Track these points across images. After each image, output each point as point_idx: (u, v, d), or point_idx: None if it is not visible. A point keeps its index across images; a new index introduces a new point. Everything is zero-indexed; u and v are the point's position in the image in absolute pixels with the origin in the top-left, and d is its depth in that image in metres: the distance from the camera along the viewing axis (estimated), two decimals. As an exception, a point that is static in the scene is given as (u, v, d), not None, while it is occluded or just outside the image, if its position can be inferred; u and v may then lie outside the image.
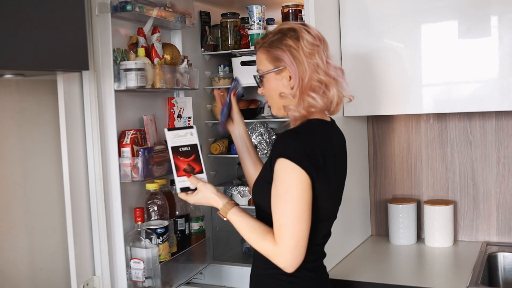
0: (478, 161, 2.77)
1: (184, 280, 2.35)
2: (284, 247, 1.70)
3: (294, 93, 1.80)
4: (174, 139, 1.97)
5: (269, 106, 1.97)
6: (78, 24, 1.78)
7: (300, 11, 2.61)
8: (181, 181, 1.92)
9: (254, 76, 1.92)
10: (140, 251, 2.11)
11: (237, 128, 2.15)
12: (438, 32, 2.48)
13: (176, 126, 2.49)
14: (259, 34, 2.63)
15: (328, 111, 1.87)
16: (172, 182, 2.36)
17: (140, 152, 2.10)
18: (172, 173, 1.92)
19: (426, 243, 2.78)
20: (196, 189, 1.92)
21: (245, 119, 2.82)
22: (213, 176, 2.85)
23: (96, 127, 2.03)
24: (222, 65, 2.90)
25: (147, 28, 2.22)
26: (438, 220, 2.73)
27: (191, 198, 1.93)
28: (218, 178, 2.89)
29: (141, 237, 2.12)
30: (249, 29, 2.67)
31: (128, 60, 2.14)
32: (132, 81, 2.07)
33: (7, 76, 1.79)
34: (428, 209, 2.75)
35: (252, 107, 2.87)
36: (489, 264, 2.56)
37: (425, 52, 2.50)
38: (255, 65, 2.67)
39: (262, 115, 2.83)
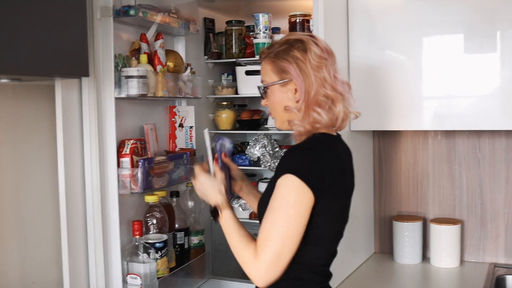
0: (486, 179, 2.69)
1: (182, 296, 2.27)
2: (263, 261, 1.62)
3: (299, 107, 1.72)
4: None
5: (273, 118, 1.89)
6: (79, 28, 1.70)
7: (308, 21, 2.53)
8: None
9: (258, 87, 1.84)
10: (137, 266, 2.02)
11: (244, 185, 2.05)
12: (446, 47, 2.43)
13: (177, 135, 2.41)
14: (264, 43, 2.56)
15: (333, 127, 1.79)
16: (172, 195, 2.27)
17: (140, 163, 2.02)
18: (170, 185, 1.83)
19: (431, 263, 2.70)
20: None
21: (248, 130, 2.77)
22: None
23: (95, 135, 1.95)
24: (225, 74, 2.83)
25: (150, 34, 2.14)
26: (445, 239, 2.64)
27: (201, 178, 1.83)
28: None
29: (139, 252, 2.03)
30: (255, 37, 2.60)
31: (129, 66, 2.06)
32: (133, 88, 1.99)
33: (3, 80, 1.71)
34: (434, 228, 2.67)
35: (255, 117, 2.79)
36: (497, 287, 2.48)
37: (433, 67, 2.44)
38: (260, 74, 2.63)
39: (266, 126, 2.75)
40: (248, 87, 2.66)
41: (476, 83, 2.38)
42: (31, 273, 2.03)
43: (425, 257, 2.79)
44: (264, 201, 1.80)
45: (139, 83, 1.99)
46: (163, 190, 2.17)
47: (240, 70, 2.67)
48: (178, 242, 2.29)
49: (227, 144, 1.97)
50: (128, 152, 2.04)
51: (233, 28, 2.71)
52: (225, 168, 1.91)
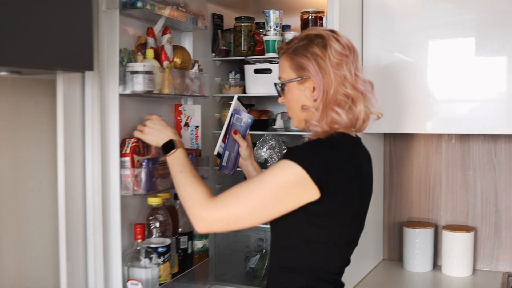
0: (502, 186, 2.60)
1: (184, 303, 2.17)
2: (217, 210, 1.57)
3: (317, 106, 1.63)
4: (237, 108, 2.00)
5: (288, 118, 1.79)
6: (84, 19, 1.60)
7: (321, 18, 2.44)
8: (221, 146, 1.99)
9: (275, 84, 1.75)
10: (138, 272, 1.93)
11: (249, 163, 2.07)
12: (460, 49, 2.35)
13: (182, 135, 2.31)
14: (275, 40, 2.46)
15: (353, 128, 1.70)
16: (176, 197, 2.18)
17: (143, 163, 1.92)
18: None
19: (443, 271, 2.60)
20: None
21: (255, 130, 2.67)
22: (218, 190, 2.66)
23: (97, 133, 1.85)
24: (233, 72, 2.73)
25: (157, 28, 2.04)
26: (457, 247, 2.55)
27: (154, 116, 1.92)
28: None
29: (140, 256, 1.94)
30: (265, 34, 2.50)
31: (135, 61, 1.96)
32: (139, 85, 1.89)
33: (2, 73, 1.60)
34: (447, 235, 2.57)
35: (263, 118, 2.69)
36: (512, 298, 2.39)
37: (448, 69, 2.36)
38: (269, 73, 2.55)
39: (274, 127, 2.65)
40: (256, 86, 2.56)
41: (490, 86, 2.30)
42: (27, 277, 1.92)
43: (436, 265, 2.69)
44: None
45: (145, 79, 1.89)
46: (167, 192, 2.08)
47: (249, 68, 2.57)
48: (181, 247, 2.19)
49: (244, 118, 2.05)
50: (128, 151, 1.94)
51: (243, 24, 2.61)
52: (233, 143, 1.99)
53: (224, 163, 2.03)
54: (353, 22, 2.37)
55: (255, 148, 2.60)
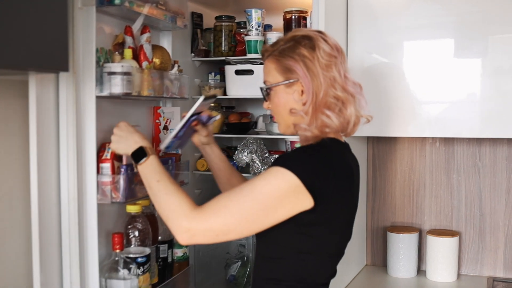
0: (486, 190, 2.56)
1: (164, 315, 2.08)
2: (205, 222, 1.46)
3: (307, 110, 1.56)
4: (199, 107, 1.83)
5: (271, 121, 1.71)
6: (59, 16, 1.49)
7: (305, 18, 2.37)
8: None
9: (261, 88, 1.67)
10: (117, 283, 1.82)
11: (209, 146, 1.96)
12: (441, 51, 2.30)
13: (161, 138, 2.21)
14: (257, 41, 2.39)
15: (343, 132, 1.63)
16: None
17: (122, 169, 1.82)
18: None
19: (427, 276, 2.56)
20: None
21: (236, 133, 2.60)
22: (197, 195, 2.57)
23: (73, 138, 1.74)
24: (212, 73, 2.64)
25: (136, 26, 1.94)
26: (442, 252, 2.51)
27: (122, 123, 1.76)
28: (203, 197, 2.61)
29: (119, 267, 1.83)
30: (246, 34, 2.42)
31: (112, 62, 1.86)
32: (117, 86, 1.79)
33: (-31, 74, 1.49)
34: (431, 240, 2.53)
35: (244, 120, 2.61)
36: (498, 303, 2.36)
37: (431, 71, 2.31)
38: (250, 74, 2.47)
39: (255, 130, 2.57)
40: (237, 87, 2.48)
41: (473, 89, 2.26)
42: (-3, 290, 1.82)
43: (420, 270, 2.65)
44: None
45: (123, 80, 1.79)
46: (145, 199, 1.98)
47: (230, 69, 2.49)
48: (161, 256, 2.10)
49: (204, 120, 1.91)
50: (109, 157, 1.83)
51: (223, 24, 2.52)
52: (186, 136, 1.88)
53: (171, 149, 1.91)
54: (338, 23, 2.31)
55: (236, 152, 2.52)
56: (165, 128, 2.23)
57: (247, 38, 2.40)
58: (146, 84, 1.92)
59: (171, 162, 2.07)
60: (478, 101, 2.26)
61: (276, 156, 2.45)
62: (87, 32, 1.75)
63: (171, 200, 1.53)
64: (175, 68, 2.15)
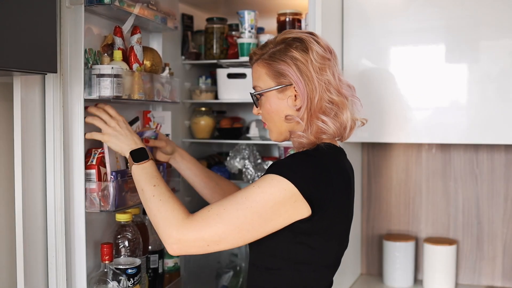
0: (484, 197, 2.51)
1: (155, 328, 1.99)
2: (197, 232, 1.40)
3: (302, 116, 1.50)
4: None
5: (266, 129, 1.64)
6: (47, 14, 1.41)
7: (299, 21, 2.30)
8: None
9: (251, 94, 1.59)
10: (106, 296, 1.73)
11: (177, 155, 1.97)
12: (435, 56, 2.26)
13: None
14: (250, 43, 2.31)
15: (340, 137, 1.56)
16: (145, 212, 1.99)
17: (112, 176, 1.73)
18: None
19: (424, 286, 2.49)
20: None
21: (228, 139, 2.52)
22: (188, 203, 2.49)
23: (59, 143, 1.65)
24: (203, 77, 2.56)
25: (127, 27, 1.86)
26: (440, 261, 2.44)
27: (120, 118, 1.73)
28: (193, 205, 2.52)
29: (108, 279, 1.74)
30: (239, 37, 2.35)
31: (101, 63, 1.78)
32: (106, 89, 1.70)
33: (-50, 74, 1.40)
34: (428, 249, 2.46)
35: (236, 126, 2.53)
36: (497, 313, 2.30)
37: (425, 77, 2.27)
38: (243, 78, 2.39)
39: (248, 135, 2.50)
40: (230, 91, 2.41)
41: (468, 95, 2.22)
42: (-22, 305, 1.72)
43: (417, 279, 2.58)
44: None
45: (113, 83, 1.71)
46: (135, 207, 1.89)
47: (222, 73, 2.42)
48: (152, 266, 2.01)
49: (149, 134, 1.90)
50: (94, 162, 1.75)
51: (215, 26, 2.45)
52: None
53: None
54: (334, 27, 2.25)
55: (228, 158, 2.45)
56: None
57: (239, 40, 2.33)
58: (136, 87, 1.84)
59: (162, 169, 1.98)
60: (473, 107, 2.21)
61: (270, 162, 2.38)
62: (75, 32, 1.66)
63: (164, 208, 1.47)
64: (166, 71, 2.07)
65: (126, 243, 1.84)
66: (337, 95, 1.51)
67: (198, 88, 2.50)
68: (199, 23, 2.57)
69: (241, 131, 2.53)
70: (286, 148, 2.39)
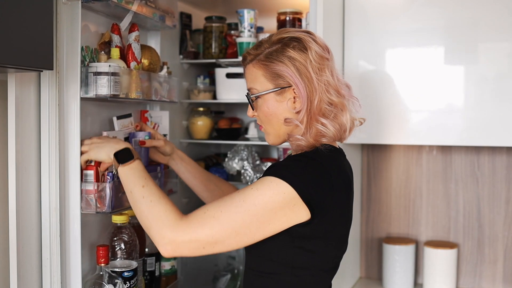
0: (485, 200, 2.47)
1: (151, 333, 1.94)
2: (189, 233, 1.36)
3: (301, 119, 1.46)
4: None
5: (262, 131, 1.60)
6: (43, 10, 1.37)
7: (300, 20, 2.27)
8: None
9: (247, 96, 1.54)
10: (101, 300, 1.69)
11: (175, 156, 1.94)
12: (434, 58, 2.24)
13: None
14: (249, 42, 2.28)
15: (340, 139, 1.53)
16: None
17: (108, 177, 1.69)
18: None
19: (424, 290, 2.46)
20: None
21: (226, 140, 2.48)
22: (185, 204, 2.45)
23: (55, 142, 1.61)
24: (201, 76, 2.52)
25: (124, 24, 1.82)
26: (440, 264, 2.41)
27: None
28: (191, 207, 2.48)
29: (103, 282, 1.70)
30: (238, 36, 2.31)
31: (98, 61, 1.74)
32: (103, 88, 1.66)
33: None
34: (429, 252, 2.43)
35: (234, 126, 2.49)
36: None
37: (425, 78, 2.25)
38: (242, 78, 2.34)
39: (246, 136, 2.46)
40: (228, 91, 2.37)
41: (468, 96, 2.20)
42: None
43: (417, 283, 2.55)
44: None
45: (111, 81, 1.67)
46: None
47: (220, 72, 2.38)
48: (148, 269, 1.97)
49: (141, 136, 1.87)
50: (93, 163, 1.71)
51: (213, 25, 2.41)
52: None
53: None
54: (335, 27, 2.21)
55: (226, 159, 2.41)
56: (153, 133, 2.10)
57: (239, 39, 2.29)
58: (134, 86, 1.80)
59: (160, 170, 1.94)
60: (474, 109, 2.19)
61: (269, 163, 2.35)
62: (72, 28, 1.63)
63: (155, 209, 1.42)
64: (164, 69, 2.03)
65: (122, 245, 1.80)
66: (336, 96, 1.48)
67: (196, 88, 2.46)
68: (198, 22, 2.53)
69: (239, 132, 2.49)
70: (285, 150, 2.36)
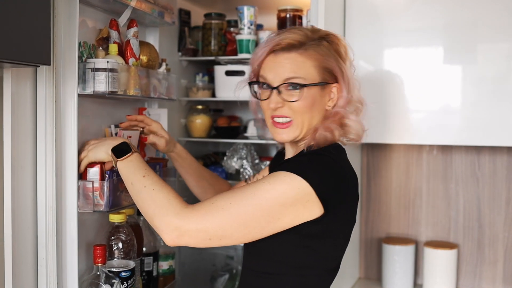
0: (485, 200, 2.45)
1: (148, 334, 1.92)
2: (196, 222, 1.31)
3: (336, 115, 1.50)
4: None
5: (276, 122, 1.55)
6: (40, 5, 1.34)
7: (300, 17, 2.24)
8: None
9: (294, 84, 1.44)
10: (98, 300, 1.66)
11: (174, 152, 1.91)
12: (433, 58, 2.23)
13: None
14: (249, 40, 2.25)
15: (360, 139, 1.53)
16: (140, 213, 1.92)
17: (106, 175, 1.66)
18: None
19: (424, 290, 2.44)
20: None
21: (225, 138, 2.45)
22: (183, 203, 2.41)
23: (51, 139, 1.57)
24: (200, 74, 2.50)
25: (123, 20, 1.79)
26: (440, 265, 2.39)
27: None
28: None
29: (100, 282, 1.67)
30: (238, 33, 2.29)
31: (96, 57, 1.71)
32: (101, 84, 1.63)
33: None
34: (429, 252, 2.41)
35: (233, 124, 2.47)
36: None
37: (426, 78, 2.24)
38: (242, 75, 2.32)
39: (245, 134, 2.43)
40: (227, 89, 2.35)
41: (469, 96, 2.20)
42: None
43: (416, 284, 2.53)
44: None
45: (109, 77, 1.64)
46: (130, 207, 1.82)
47: (220, 70, 2.35)
48: (146, 269, 1.94)
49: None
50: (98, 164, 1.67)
51: (213, 22, 2.39)
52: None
53: None
54: (337, 25, 2.19)
55: (225, 158, 2.38)
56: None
57: (238, 37, 2.26)
58: (132, 82, 1.77)
59: (158, 168, 1.91)
60: (474, 109, 2.19)
61: (268, 162, 2.32)
62: (69, 23, 1.59)
63: (159, 196, 1.39)
64: (163, 66, 2.00)
65: (120, 245, 1.77)
66: (361, 97, 1.52)
67: (195, 86, 2.43)
68: (197, 18, 2.51)
69: (238, 130, 2.47)
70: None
